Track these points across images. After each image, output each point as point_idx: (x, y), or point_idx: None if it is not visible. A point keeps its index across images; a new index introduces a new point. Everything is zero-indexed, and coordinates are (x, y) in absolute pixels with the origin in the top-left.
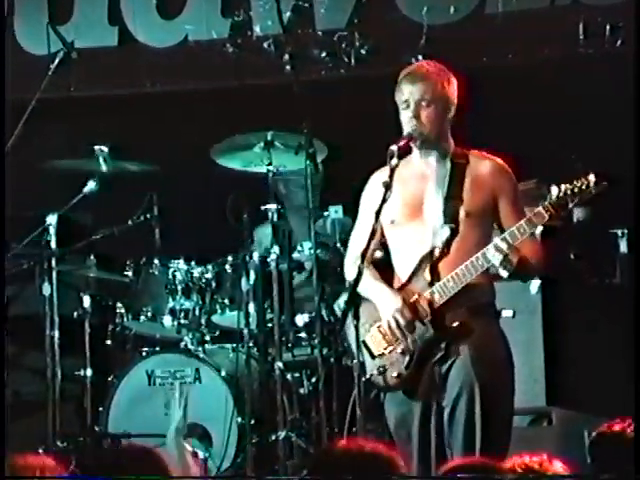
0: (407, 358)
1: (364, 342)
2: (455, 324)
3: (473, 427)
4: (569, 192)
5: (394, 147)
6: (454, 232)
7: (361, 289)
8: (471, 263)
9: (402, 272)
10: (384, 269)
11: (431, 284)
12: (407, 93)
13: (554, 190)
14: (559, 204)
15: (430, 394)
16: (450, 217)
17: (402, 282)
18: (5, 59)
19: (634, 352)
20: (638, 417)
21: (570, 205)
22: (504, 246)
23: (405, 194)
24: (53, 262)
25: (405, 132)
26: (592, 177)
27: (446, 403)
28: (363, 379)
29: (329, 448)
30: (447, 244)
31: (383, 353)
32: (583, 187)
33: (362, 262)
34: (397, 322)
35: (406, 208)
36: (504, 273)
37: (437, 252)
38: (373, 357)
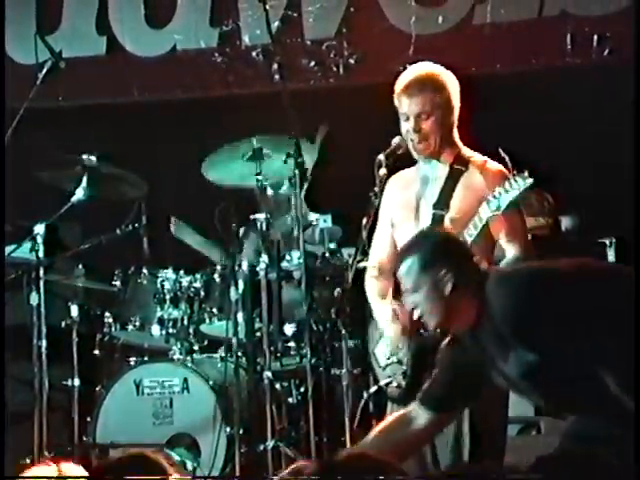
0: (402, 368)
1: (374, 353)
2: (428, 334)
3: (460, 445)
4: (503, 190)
5: (381, 156)
6: None
7: (369, 300)
8: None
9: None
10: None
11: None
12: (405, 106)
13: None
14: (495, 205)
15: None
16: (436, 224)
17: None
18: (4, 63)
19: (634, 355)
20: (638, 418)
21: (502, 204)
22: None
23: (403, 197)
24: (41, 272)
25: (394, 141)
26: (524, 174)
27: None
28: (373, 389)
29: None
30: None
31: (387, 364)
32: (514, 186)
33: (372, 271)
34: (390, 334)
35: (402, 211)
36: None
37: None
38: (381, 368)
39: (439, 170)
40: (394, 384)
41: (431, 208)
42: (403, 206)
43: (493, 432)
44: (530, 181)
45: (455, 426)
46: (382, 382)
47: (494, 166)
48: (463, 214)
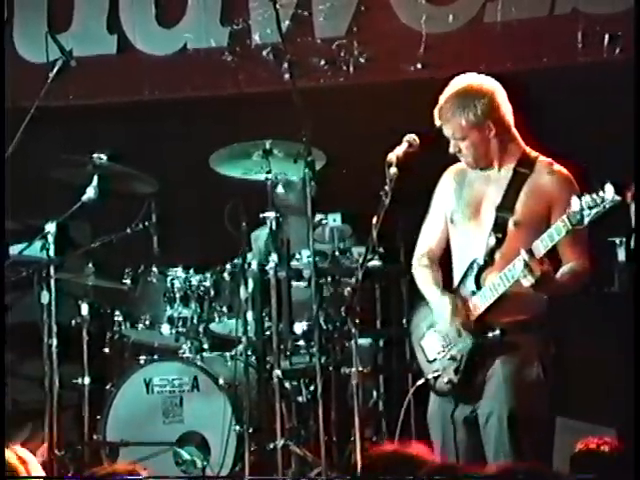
0: (455, 364)
1: (420, 345)
2: (491, 335)
3: (501, 447)
4: (586, 206)
5: (392, 156)
6: (500, 242)
7: (421, 289)
8: (504, 273)
9: (456, 274)
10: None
11: (474, 292)
12: (444, 129)
13: (574, 203)
14: (576, 220)
15: (469, 400)
16: (499, 227)
17: (454, 286)
18: (4, 66)
19: (634, 359)
20: (638, 423)
21: (586, 220)
22: (526, 257)
23: (467, 195)
24: (51, 270)
25: (405, 140)
26: (609, 190)
27: (481, 413)
28: (420, 381)
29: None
30: (491, 253)
31: (436, 358)
32: (598, 202)
33: (423, 260)
34: (446, 329)
35: (466, 209)
36: (525, 282)
37: (481, 260)
38: (428, 361)
39: (501, 172)
40: (444, 379)
41: (494, 210)
42: (465, 204)
43: (534, 440)
44: (617, 199)
45: (495, 433)
46: (429, 375)
47: (561, 169)
48: (529, 218)
